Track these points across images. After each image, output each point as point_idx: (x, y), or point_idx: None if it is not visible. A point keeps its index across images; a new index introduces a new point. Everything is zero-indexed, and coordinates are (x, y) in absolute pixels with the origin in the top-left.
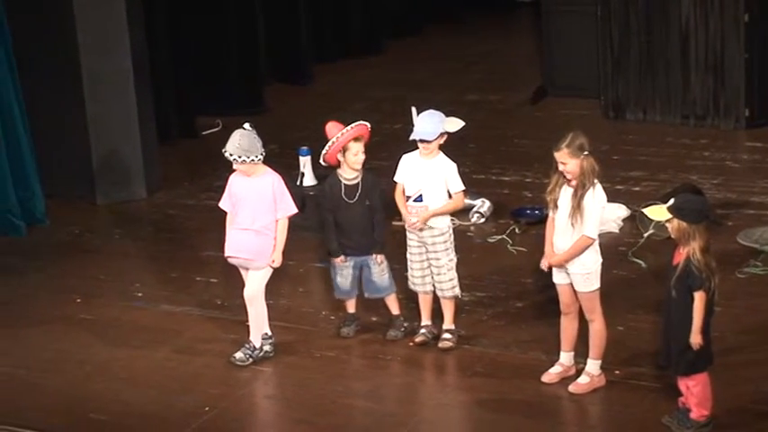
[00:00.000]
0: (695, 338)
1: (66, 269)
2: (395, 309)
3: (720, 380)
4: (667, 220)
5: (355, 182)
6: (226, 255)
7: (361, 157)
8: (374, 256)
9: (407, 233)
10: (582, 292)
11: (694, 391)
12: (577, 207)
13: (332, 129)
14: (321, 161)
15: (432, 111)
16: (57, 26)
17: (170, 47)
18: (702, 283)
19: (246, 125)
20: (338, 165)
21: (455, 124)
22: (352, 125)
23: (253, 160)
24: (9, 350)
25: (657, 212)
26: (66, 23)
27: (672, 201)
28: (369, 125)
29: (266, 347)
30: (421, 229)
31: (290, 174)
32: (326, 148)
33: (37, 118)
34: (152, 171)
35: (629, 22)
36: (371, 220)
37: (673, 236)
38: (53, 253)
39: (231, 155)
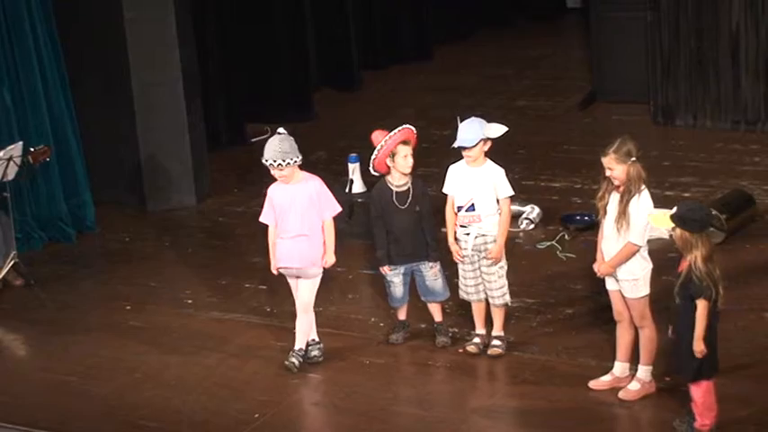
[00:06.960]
0: (697, 346)
1: (115, 276)
2: (438, 316)
3: None
4: (671, 229)
5: (405, 188)
6: (278, 266)
7: (411, 160)
8: (427, 262)
9: (459, 242)
10: (630, 299)
11: (698, 400)
12: (623, 213)
13: (378, 136)
14: (371, 170)
15: (473, 118)
16: (107, 37)
17: (220, 54)
18: (703, 292)
19: (281, 129)
20: (388, 172)
21: (497, 130)
22: (398, 129)
23: (295, 161)
24: (60, 357)
25: (661, 220)
26: (116, 34)
27: (675, 209)
28: (414, 129)
29: (314, 352)
30: (476, 237)
31: (338, 181)
32: (375, 154)
33: (88, 126)
34: (201, 178)
35: (678, 27)
36: (421, 226)
37: (676, 244)
38: (103, 260)
39: (275, 161)
